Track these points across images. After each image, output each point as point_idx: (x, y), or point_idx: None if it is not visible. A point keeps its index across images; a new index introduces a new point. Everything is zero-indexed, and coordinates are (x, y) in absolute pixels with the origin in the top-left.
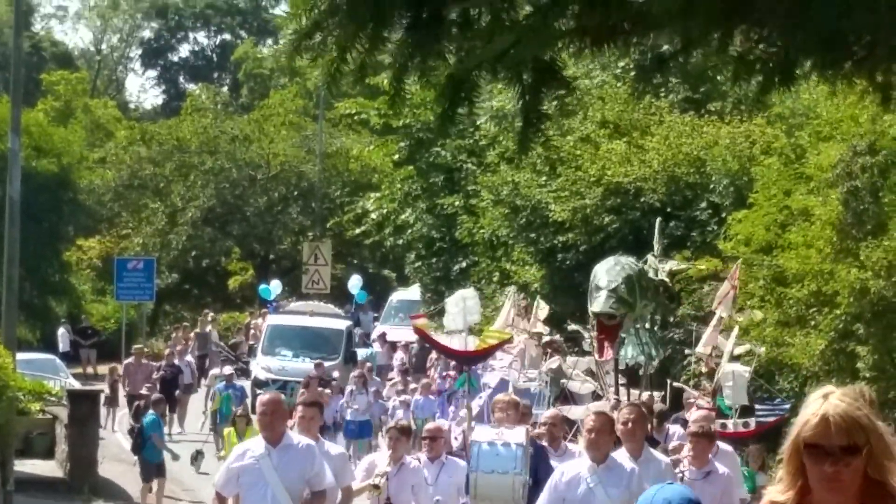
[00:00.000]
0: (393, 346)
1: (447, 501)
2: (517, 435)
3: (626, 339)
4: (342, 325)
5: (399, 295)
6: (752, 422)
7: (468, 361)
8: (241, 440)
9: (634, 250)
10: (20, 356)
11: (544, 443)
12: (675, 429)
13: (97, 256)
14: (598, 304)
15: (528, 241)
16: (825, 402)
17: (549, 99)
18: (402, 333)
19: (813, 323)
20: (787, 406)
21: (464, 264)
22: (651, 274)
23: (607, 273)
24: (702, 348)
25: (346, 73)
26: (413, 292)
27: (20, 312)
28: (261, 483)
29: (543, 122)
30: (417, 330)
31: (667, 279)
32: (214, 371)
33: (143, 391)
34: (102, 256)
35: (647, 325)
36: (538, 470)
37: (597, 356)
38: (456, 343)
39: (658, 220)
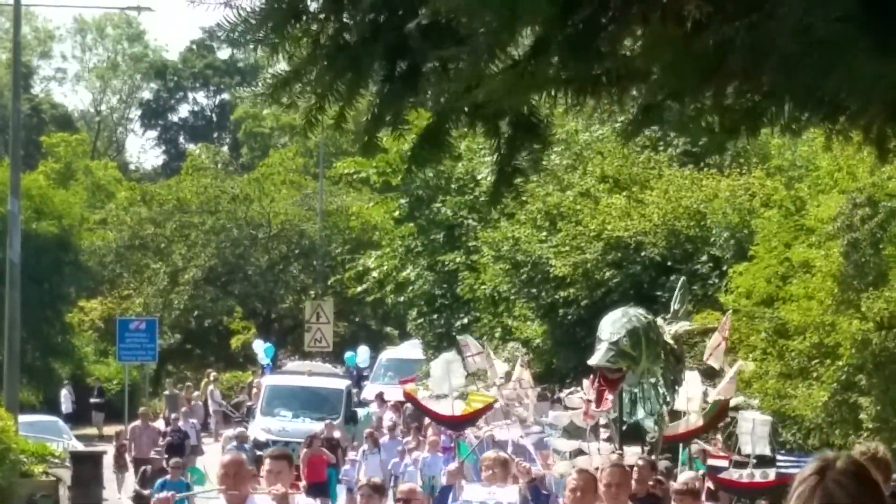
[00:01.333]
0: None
1: None
2: (509, 494)
3: (635, 397)
4: (341, 384)
5: (389, 354)
6: (772, 473)
7: (455, 426)
8: None
9: (636, 304)
10: (23, 418)
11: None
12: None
13: (99, 317)
14: (596, 356)
15: (530, 297)
16: (822, 482)
17: (524, 154)
18: (395, 392)
19: (815, 374)
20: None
21: (465, 320)
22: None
23: (611, 325)
24: (714, 398)
25: (323, 122)
26: (403, 350)
27: (22, 375)
28: None
29: (517, 177)
30: (406, 394)
31: (672, 343)
32: (228, 432)
33: (153, 454)
34: (104, 317)
35: (656, 382)
36: None
37: (594, 406)
38: (443, 407)
39: (682, 279)
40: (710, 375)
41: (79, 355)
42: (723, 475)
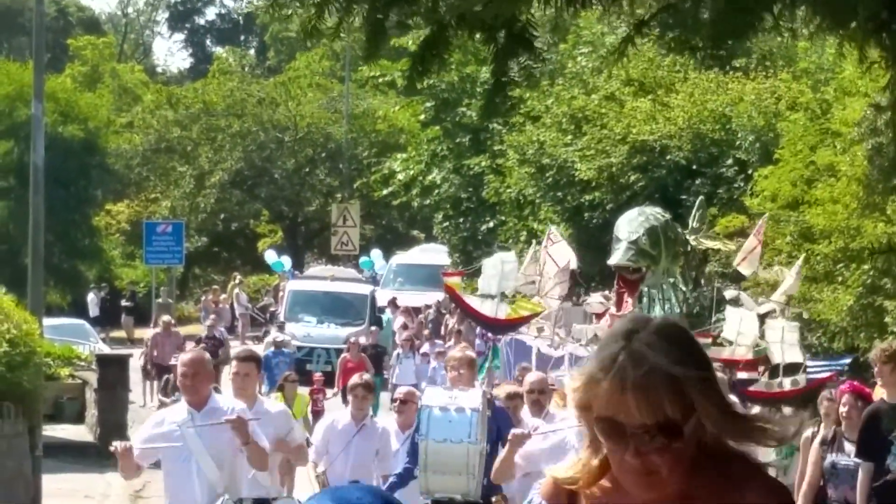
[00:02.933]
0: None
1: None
2: (472, 399)
3: (653, 297)
4: (365, 289)
5: (398, 259)
6: (803, 379)
7: (496, 330)
8: (290, 406)
9: (662, 208)
10: (49, 321)
11: (500, 403)
12: None
13: (126, 221)
14: (615, 256)
15: (555, 200)
16: (628, 346)
17: (517, 65)
18: (407, 298)
19: (840, 279)
20: (847, 360)
21: (491, 224)
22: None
23: (629, 224)
24: (780, 298)
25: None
26: (414, 256)
27: (49, 278)
28: (184, 453)
29: (511, 88)
30: (448, 288)
31: (693, 243)
32: (269, 338)
33: (173, 361)
34: (131, 220)
35: (675, 282)
36: (499, 434)
37: (614, 310)
38: (486, 309)
39: (700, 198)
40: (736, 279)
41: (106, 258)
42: (752, 388)
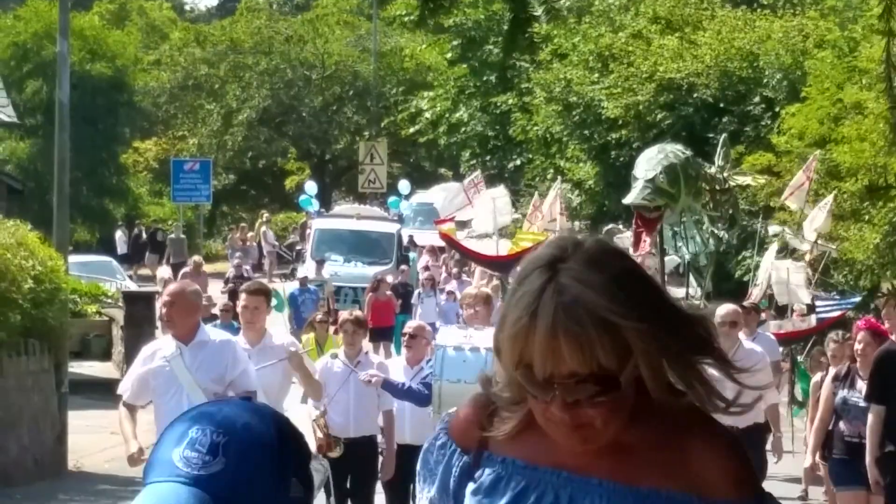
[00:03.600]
0: (431, 251)
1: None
2: (487, 337)
3: (678, 234)
4: (392, 227)
5: (417, 198)
6: (814, 319)
7: (500, 267)
8: (321, 347)
9: (688, 146)
10: (77, 259)
11: None
12: None
13: (153, 158)
14: (631, 195)
15: (582, 139)
16: (553, 279)
17: (537, 2)
18: (426, 237)
19: (867, 217)
20: (856, 299)
21: (518, 162)
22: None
23: (647, 162)
24: (810, 234)
25: None
26: (433, 195)
27: (77, 215)
28: (174, 387)
29: (531, 25)
30: (443, 235)
31: (722, 179)
32: (311, 276)
33: (203, 302)
34: (159, 158)
35: (699, 219)
36: None
37: (632, 250)
38: (486, 248)
39: (724, 136)
40: (766, 216)
41: (133, 196)
42: (761, 329)
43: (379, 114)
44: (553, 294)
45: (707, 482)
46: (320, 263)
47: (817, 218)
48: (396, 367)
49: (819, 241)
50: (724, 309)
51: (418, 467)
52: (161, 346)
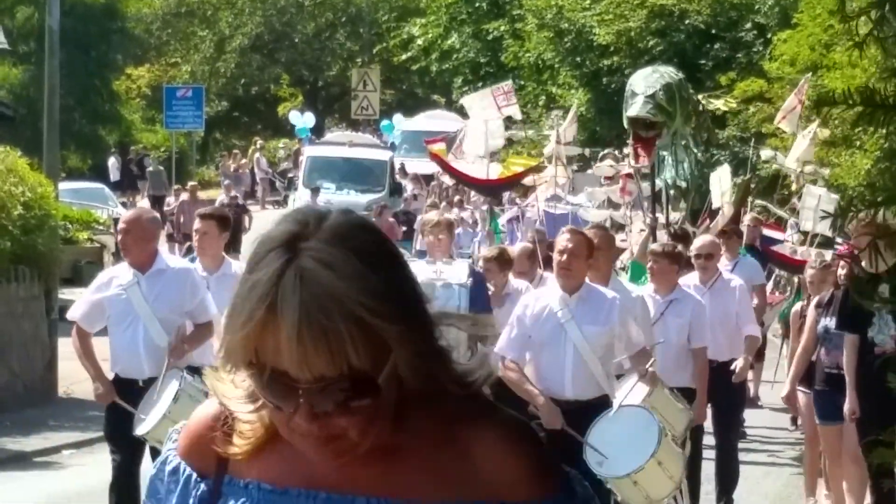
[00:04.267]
0: (415, 179)
1: None
2: (459, 272)
3: (665, 160)
4: (384, 155)
5: (404, 125)
6: (829, 255)
7: (489, 191)
8: None
9: (681, 70)
10: (68, 185)
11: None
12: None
13: (146, 85)
14: (634, 108)
15: (574, 65)
16: (293, 261)
17: None
18: (416, 165)
19: (858, 143)
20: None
21: None
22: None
23: (645, 80)
24: (792, 164)
25: None
26: (419, 122)
27: (70, 142)
28: (129, 317)
29: None
30: (433, 155)
31: (703, 103)
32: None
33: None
34: (151, 85)
35: (687, 143)
36: (477, 299)
37: (631, 161)
38: (477, 171)
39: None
40: (758, 141)
41: (126, 123)
42: (777, 248)
43: (371, 40)
44: (294, 281)
45: (503, 484)
46: (315, 192)
47: (800, 146)
48: None
49: (804, 170)
50: (699, 241)
51: (144, 497)
52: (117, 274)
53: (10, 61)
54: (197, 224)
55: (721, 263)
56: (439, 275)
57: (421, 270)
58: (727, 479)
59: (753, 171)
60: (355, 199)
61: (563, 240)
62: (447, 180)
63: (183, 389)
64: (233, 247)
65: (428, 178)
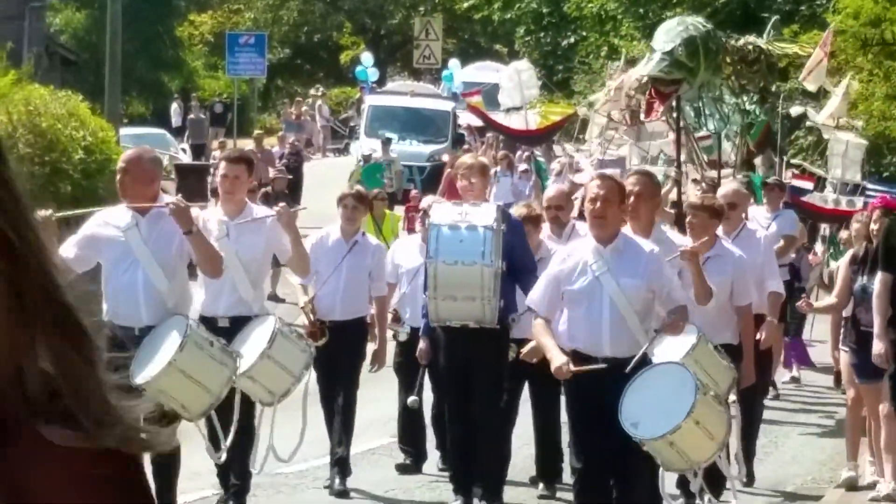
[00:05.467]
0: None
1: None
2: (485, 214)
3: (699, 113)
4: (447, 105)
5: (464, 76)
6: (860, 201)
7: (530, 141)
8: (379, 226)
9: (743, 26)
10: (130, 130)
11: (514, 211)
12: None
13: (209, 32)
14: (648, 66)
15: (636, 16)
16: None
17: None
18: (469, 116)
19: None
20: None
21: (572, 39)
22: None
23: (665, 34)
24: (825, 119)
25: None
26: (468, 74)
27: (133, 88)
28: (128, 260)
29: None
30: (472, 108)
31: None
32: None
33: (272, 175)
34: (214, 32)
35: (719, 95)
36: (513, 251)
37: (643, 116)
38: (515, 122)
39: (775, 18)
40: (814, 97)
41: (188, 69)
42: (806, 198)
43: None
44: None
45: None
46: (386, 143)
47: (832, 102)
48: (411, 246)
49: (838, 125)
50: (722, 190)
51: None
52: (113, 216)
53: (74, 6)
54: (225, 168)
55: (761, 214)
56: (464, 216)
57: (446, 212)
58: (748, 445)
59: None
60: (417, 149)
61: (593, 186)
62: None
63: (189, 337)
64: (293, 196)
65: (482, 130)
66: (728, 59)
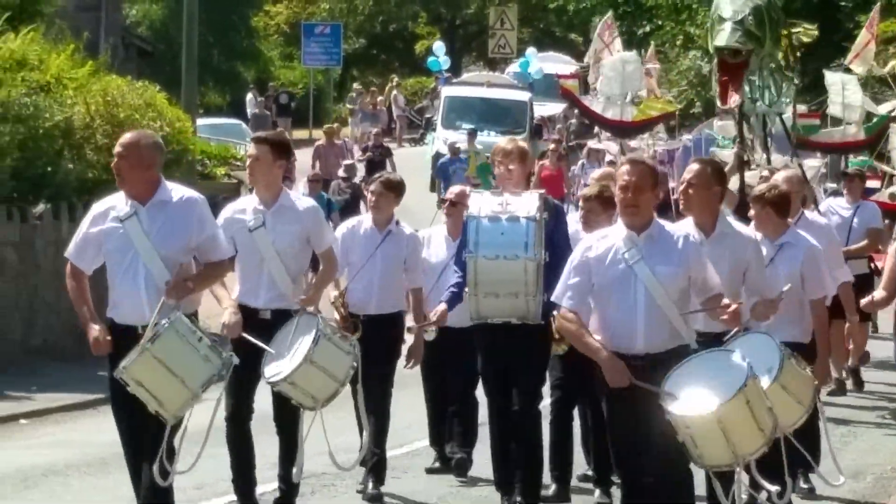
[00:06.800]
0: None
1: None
2: (527, 204)
3: (756, 85)
4: (524, 96)
5: (514, 69)
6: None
7: (622, 133)
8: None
9: (819, 11)
10: (207, 121)
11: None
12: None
13: (284, 22)
14: (721, 37)
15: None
16: None
17: None
18: (539, 108)
19: None
20: None
21: (647, 28)
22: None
23: (732, 3)
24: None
25: None
26: (545, 66)
27: (208, 78)
28: (128, 253)
29: None
30: (565, 91)
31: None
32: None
33: (341, 173)
34: (290, 22)
35: (778, 66)
36: (554, 236)
37: (719, 103)
38: (611, 113)
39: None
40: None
41: (264, 59)
42: (874, 197)
43: None
44: None
45: None
46: (472, 134)
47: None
48: (437, 238)
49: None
50: (777, 177)
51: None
52: (114, 204)
53: None
54: (251, 149)
55: (839, 204)
56: (505, 207)
57: (485, 202)
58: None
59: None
60: (495, 140)
61: (623, 173)
62: (574, 123)
63: (172, 323)
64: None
65: (549, 120)
66: (784, 32)
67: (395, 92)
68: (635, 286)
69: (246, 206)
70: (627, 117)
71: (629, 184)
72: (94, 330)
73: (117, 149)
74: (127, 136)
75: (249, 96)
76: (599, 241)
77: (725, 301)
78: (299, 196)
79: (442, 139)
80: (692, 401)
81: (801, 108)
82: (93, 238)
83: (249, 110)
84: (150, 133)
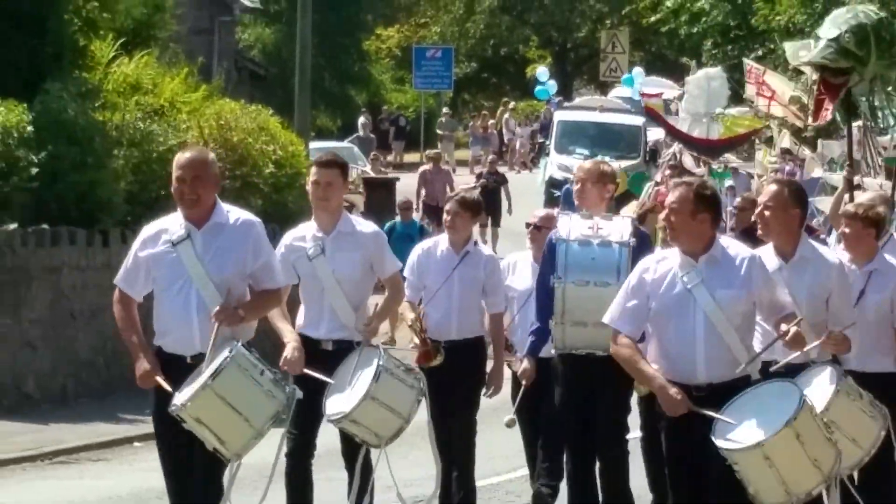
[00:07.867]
0: None
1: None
2: (620, 229)
3: (875, 107)
4: (638, 120)
5: (615, 92)
6: None
7: (707, 151)
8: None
9: None
10: (319, 144)
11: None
12: None
13: (396, 45)
14: (810, 53)
15: None
16: None
17: None
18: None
19: None
20: None
21: (760, 52)
22: None
23: (833, 21)
24: None
25: None
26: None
27: (320, 101)
28: (180, 279)
29: None
30: (649, 109)
31: None
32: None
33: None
34: (401, 45)
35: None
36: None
37: (810, 120)
38: (696, 130)
39: None
40: None
41: (375, 83)
42: None
43: (621, 1)
44: None
45: None
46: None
47: None
48: (522, 264)
49: None
50: (860, 198)
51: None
52: (167, 227)
53: (263, 21)
54: (316, 174)
55: None
56: (596, 231)
57: (575, 225)
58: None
59: None
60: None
61: (669, 195)
62: (675, 148)
63: (233, 358)
64: (493, 220)
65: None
66: None
67: (506, 115)
68: (694, 312)
69: (305, 232)
70: (714, 135)
71: (669, 207)
72: (145, 363)
73: (179, 172)
74: (193, 156)
75: (362, 119)
76: (658, 264)
77: (784, 327)
78: (360, 220)
79: (556, 164)
80: (741, 434)
81: None
82: (143, 262)
83: (361, 133)
84: (206, 150)
